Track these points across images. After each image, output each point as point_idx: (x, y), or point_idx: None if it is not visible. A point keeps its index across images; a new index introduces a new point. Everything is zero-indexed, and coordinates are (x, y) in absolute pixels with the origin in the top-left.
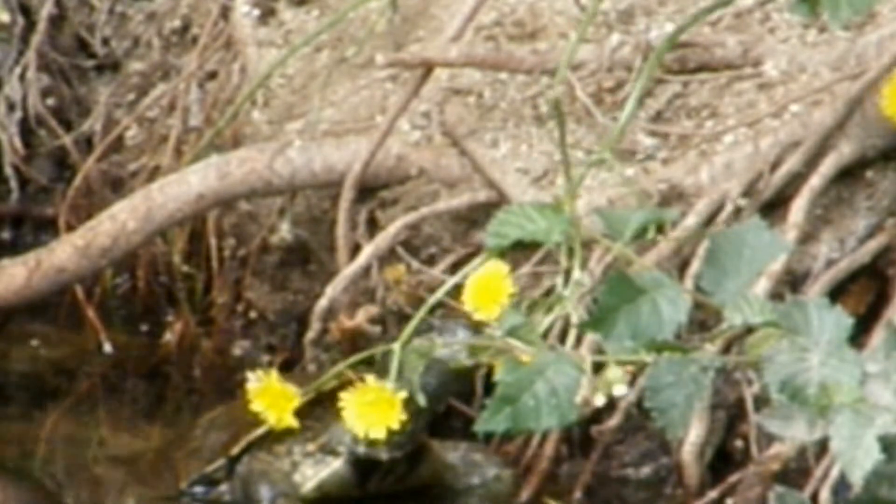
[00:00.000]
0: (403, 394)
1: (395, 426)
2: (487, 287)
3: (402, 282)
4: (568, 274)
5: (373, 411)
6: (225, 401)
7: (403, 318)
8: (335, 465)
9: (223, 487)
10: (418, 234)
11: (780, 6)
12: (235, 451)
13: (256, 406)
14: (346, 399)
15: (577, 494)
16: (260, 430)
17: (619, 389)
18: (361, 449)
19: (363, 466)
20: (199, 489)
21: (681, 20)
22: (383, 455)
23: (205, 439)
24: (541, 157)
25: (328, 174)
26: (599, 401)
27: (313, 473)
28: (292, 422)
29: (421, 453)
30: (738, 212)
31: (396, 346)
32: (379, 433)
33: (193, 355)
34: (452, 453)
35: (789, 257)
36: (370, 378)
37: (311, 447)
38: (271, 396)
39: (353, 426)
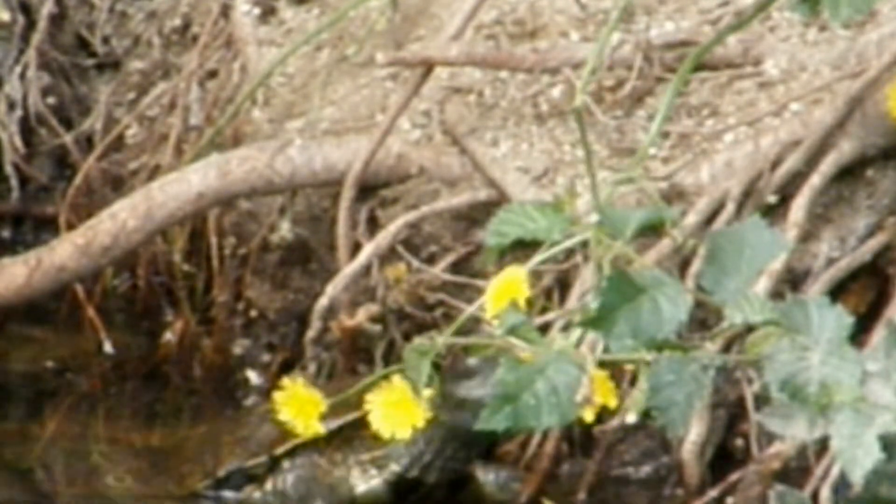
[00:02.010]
0: (429, 392)
1: (421, 425)
2: (507, 292)
3: (403, 280)
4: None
5: (398, 411)
6: (225, 400)
7: (404, 317)
8: (373, 483)
9: (228, 493)
10: (419, 233)
11: (781, 5)
12: (280, 451)
13: (284, 415)
14: (372, 400)
15: (581, 495)
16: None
17: (631, 417)
18: (408, 469)
19: (403, 487)
20: (208, 492)
21: (680, 19)
22: (429, 478)
23: (256, 429)
24: (541, 156)
25: (329, 173)
26: (632, 418)
27: (347, 491)
28: (319, 429)
29: (464, 480)
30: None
31: (436, 342)
32: (404, 433)
33: (194, 354)
34: (491, 476)
35: (790, 256)
36: (395, 378)
37: (364, 457)
38: (298, 404)
39: (378, 427)
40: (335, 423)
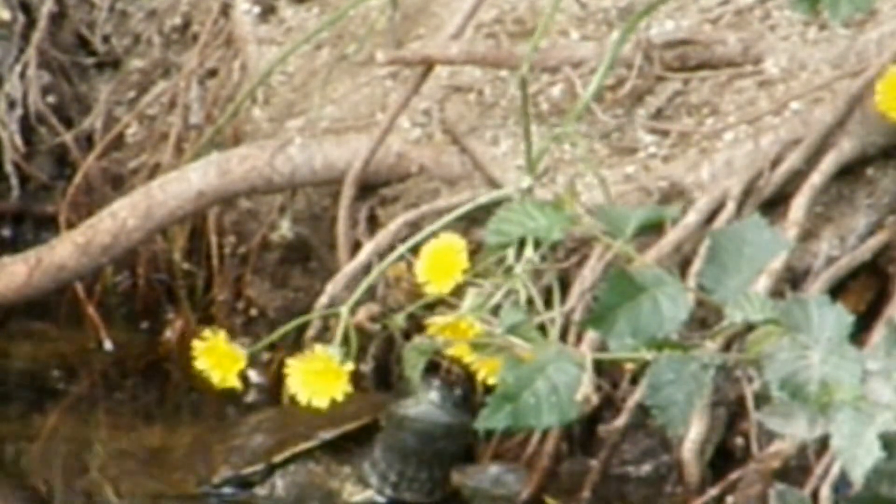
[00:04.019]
0: (350, 366)
1: (340, 398)
2: (442, 260)
3: (403, 279)
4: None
5: (318, 380)
6: (225, 398)
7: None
8: (367, 494)
9: (229, 490)
10: (419, 232)
11: (781, 4)
12: (278, 459)
13: (201, 364)
14: (292, 365)
15: (586, 493)
16: (309, 444)
17: None
18: (389, 489)
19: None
20: (208, 490)
21: (681, 17)
22: (408, 497)
23: (248, 439)
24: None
25: (329, 172)
26: None
27: (343, 501)
28: (236, 383)
29: (451, 495)
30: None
31: (344, 310)
32: (322, 402)
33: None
34: (482, 475)
35: (790, 255)
36: (318, 346)
37: (348, 470)
38: (217, 356)
39: (297, 393)
40: (333, 433)
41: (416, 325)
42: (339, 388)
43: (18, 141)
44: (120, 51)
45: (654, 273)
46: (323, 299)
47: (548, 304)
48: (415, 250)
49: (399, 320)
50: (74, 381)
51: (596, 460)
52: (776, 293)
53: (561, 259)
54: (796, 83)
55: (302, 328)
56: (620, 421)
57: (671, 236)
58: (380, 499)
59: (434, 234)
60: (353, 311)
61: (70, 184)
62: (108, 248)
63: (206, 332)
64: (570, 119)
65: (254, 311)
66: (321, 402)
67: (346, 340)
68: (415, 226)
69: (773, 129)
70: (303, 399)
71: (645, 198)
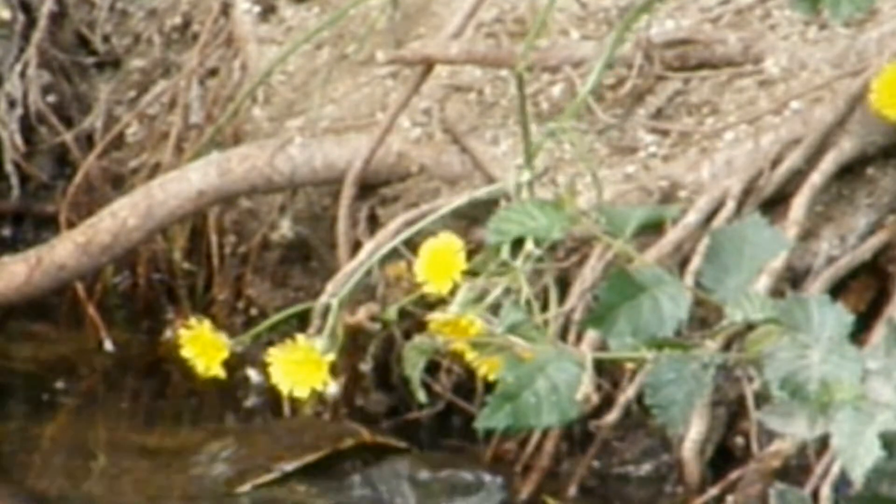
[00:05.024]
0: (332, 356)
1: (321, 388)
2: (440, 260)
3: (403, 279)
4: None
5: (299, 370)
6: (225, 398)
7: (404, 315)
8: None
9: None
10: (419, 231)
11: (781, 3)
12: (239, 490)
13: (186, 352)
14: (274, 355)
15: (572, 491)
16: (269, 476)
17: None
18: None
19: None
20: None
21: (681, 17)
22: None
23: (208, 468)
24: (541, 155)
25: (329, 171)
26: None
27: None
28: (220, 372)
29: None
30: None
31: (334, 302)
32: (303, 392)
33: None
34: (470, 474)
35: (790, 254)
36: (300, 336)
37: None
38: (202, 345)
39: (278, 383)
40: (293, 465)
41: (416, 325)
42: (320, 379)
43: (18, 140)
44: (120, 50)
45: (654, 273)
46: (323, 298)
47: (547, 303)
48: (411, 248)
49: (392, 313)
50: (75, 382)
51: (588, 457)
52: (776, 292)
53: (561, 259)
54: (796, 83)
55: (302, 328)
56: (612, 416)
57: (671, 236)
58: None
59: (431, 232)
60: (352, 309)
61: (70, 183)
62: (108, 248)
63: (192, 321)
64: (566, 115)
65: (254, 311)
66: (302, 392)
67: (334, 334)
68: (415, 225)
69: (773, 129)
70: (284, 389)
71: (645, 197)
